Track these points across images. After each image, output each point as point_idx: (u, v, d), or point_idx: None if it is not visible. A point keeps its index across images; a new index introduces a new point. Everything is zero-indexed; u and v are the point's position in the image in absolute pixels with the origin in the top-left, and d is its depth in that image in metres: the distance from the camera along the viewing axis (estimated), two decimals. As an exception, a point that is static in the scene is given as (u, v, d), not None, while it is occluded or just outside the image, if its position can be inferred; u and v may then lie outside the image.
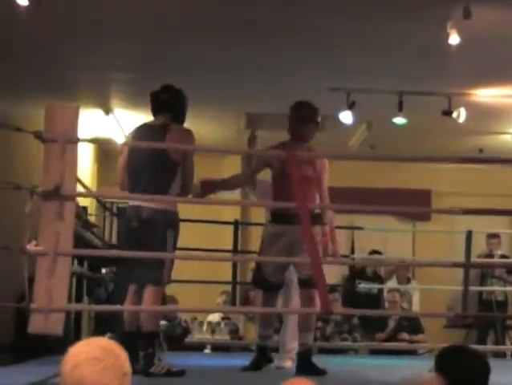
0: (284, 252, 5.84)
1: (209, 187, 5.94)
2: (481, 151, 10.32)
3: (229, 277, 9.25)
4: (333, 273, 10.42)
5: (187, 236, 5.94)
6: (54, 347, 6.35)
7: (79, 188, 5.79)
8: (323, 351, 8.55)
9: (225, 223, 9.37)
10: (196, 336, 9.61)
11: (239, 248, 9.47)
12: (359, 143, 10.26)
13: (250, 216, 11.15)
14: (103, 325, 7.94)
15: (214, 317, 9.81)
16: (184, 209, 5.70)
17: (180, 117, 5.64)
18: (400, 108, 8.40)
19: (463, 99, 8.46)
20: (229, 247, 8.79)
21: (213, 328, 9.64)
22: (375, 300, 10.57)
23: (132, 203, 5.49)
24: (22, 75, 7.90)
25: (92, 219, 10.06)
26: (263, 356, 6.19)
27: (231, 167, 11.18)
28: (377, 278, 10.97)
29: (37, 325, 4.21)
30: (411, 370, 6.09)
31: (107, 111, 9.42)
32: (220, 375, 6.05)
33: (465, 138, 10.07)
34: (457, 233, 9.78)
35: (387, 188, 11.35)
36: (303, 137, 6.03)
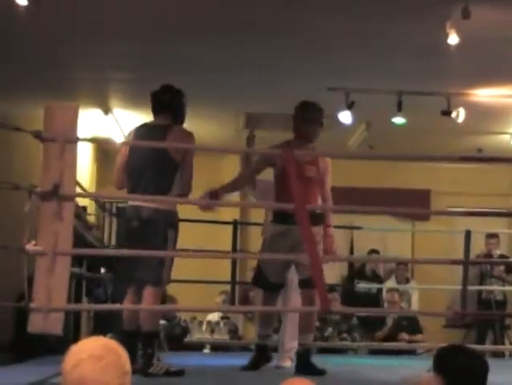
0: (286, 252, 5.82)
1: (216, 196, 5.98)
2: (480, 151, 10.32)
3: (229, 277, 9.25)
4: (332, 273, 10.42)
5: (186, 236, 5.94)
6: (53, 347, 6.36)
7: (78, 189, 5.79)
8: (322, 351, 8.55)
9: (225, 223, 9.36)
10: (195, 336, 9.61)
11: (238, 248, 9.46)
12: (359, 143, 10.26)
13: (249, 217, 11.14)
14: (103, 325, 7.94)
15: (213, 316, 9.82)
16: (184, 209, 5.70)
17: (179, 117, 5.65)
18: (399, 108, 8.40)
19: (462, 99, 8.46)
20: (229, 247, 8.78)
21: (213, 328, 9.64)
22: (374, 300, 10.57)
23: (132, 202, 5.50)
24: (22, 75, 7.89)
25: (92, 219, 10.06)
26: (262, 355, 6.19)
27: (230, 166, 11.19)
28: (376, 278, 10.98)
29: (36, 324, 4.22)
30: (410, 369, 6.10)
31: (107, 110, 9.43)
32: (219, 375, 6.05)
33: (464, 138, 10.08)
34: (456, 232, 9.78)
35: (386, 188, 11.35)
36: (308, 137, 6.04)
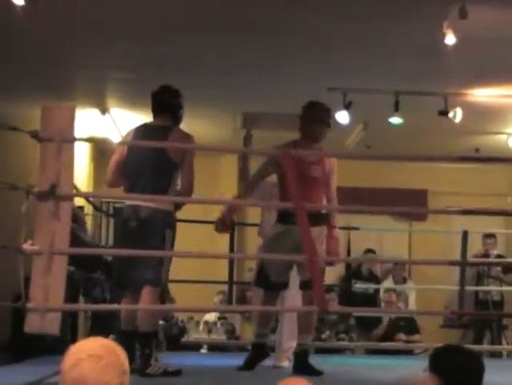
0: (288, 252, 5.76)
1: (227, 223, 6.05)
2: (477, 151, 10.33)
3: (226, 277, 9.25)
4: (330, 274, 10.41)
5: (183, 236, 5.94)
6: (51, 347, 6.35)
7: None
8: (320, 351, 8.55)
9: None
10: (192, 336, 9.61)
11: (235, 248, 9.46)
12: (356, 143, 10.26)
13: (247, 217, 11.14)
14: (100, 325, 7.93)
15: (211, 316, 9.81)
16: (182, 210, 5.71)
17: (178, 118, 5.66)
18: (396, 108, 8.40)
19: (459, 99, 8.47)
20: (226, 247, 8.78)
21: (210, 328, 9.64)
22: (371, 300, 10.57)
23: (129, 202, 5.49)
24: (21, 75, 7.88)
25: (89, 219, 10.05)
26: (258, 354, 6.15)
27: (228, 166, 11.21)
28: (373, 278, 10.98)
29: (33, 324, 4.21)
30: (407, 369, 6.10)
31: (104, 110, 9.42)
32: (216, 375, 6.05)
33: (462, 138, 10.08)
34: (453, 233, 9.78)
35: (383, 188, 11.35)
36: (314, 137, 6.03)
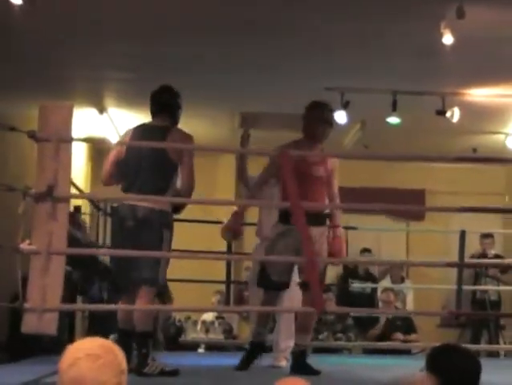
0: (291, 252, 5.74)
1: (238, 226, 6.12)
2: (474, 150, 10.33)
3: (223, 277, 9.24)
4: (328, 273, 10.40)
5: (181, 235, 5.94)
6: (48, 347, 6.35)
7: (73, 190, 5.79)
8: (317, 351, 8.55)
9: (220, 223, 9.35)
10: (190, 335, 9.61)
11: (233, 248, 9.46)
12: (353, 142, 10.26)
13: (244, 217, 11.13)
14: (98, 324, 7.93)
15: (208, 316, 9.81)
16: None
17: (176, 119, 5.66)
18: (393, 108, 8.41)
19: (457, 99, 8.47)
20: (223, 247, 8.77)
21: (207, 327, 9.64)
22: (368, 300, 10.57)
23: (127, 201, 5.49)
24: (19, 75, 7.87)
25: (86, 218, 10.04)
26: (255, 351, 6.12)
27: (225, 166, 11.21)
28: (369, 277, 10.98)
29: (30, 324, 4.21)
30: (404, 369, 6.10)
31: (101, 110, 9.41)
32: (214, 375, 6.05)
33: (459, 137, 10.09)
34: (450, 232, 9.79)
35: (381, 188, 11.35)
36: (317, 137, 6.01)
